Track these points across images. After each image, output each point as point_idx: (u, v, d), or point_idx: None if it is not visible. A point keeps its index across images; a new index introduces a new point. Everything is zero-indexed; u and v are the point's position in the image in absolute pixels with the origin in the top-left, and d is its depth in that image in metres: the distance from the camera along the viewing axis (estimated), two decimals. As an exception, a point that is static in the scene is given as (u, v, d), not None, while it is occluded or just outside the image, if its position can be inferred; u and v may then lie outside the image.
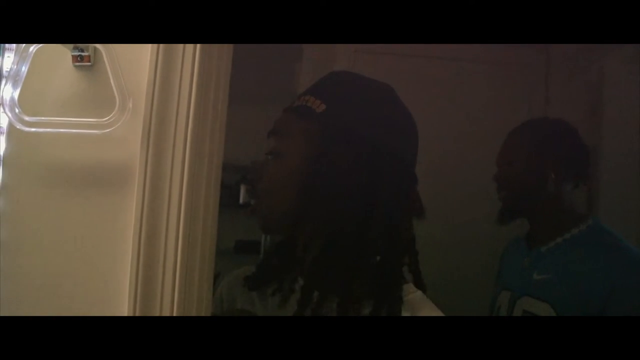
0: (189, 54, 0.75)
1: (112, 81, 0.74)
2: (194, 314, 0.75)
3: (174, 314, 0.72)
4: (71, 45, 0.76)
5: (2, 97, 0.76)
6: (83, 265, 0.76)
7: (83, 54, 0.77)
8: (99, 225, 0.76)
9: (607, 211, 2.09)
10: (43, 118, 0.75)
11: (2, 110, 0.77)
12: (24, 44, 0.74)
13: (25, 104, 0.74)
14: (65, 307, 0.76)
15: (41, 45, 0.74)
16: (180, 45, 0.75)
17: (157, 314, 0.72)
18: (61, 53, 0.77)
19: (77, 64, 0.77)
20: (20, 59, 0.74)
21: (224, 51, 0.81)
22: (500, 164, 1.51)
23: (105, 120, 0.73)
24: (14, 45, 0.79)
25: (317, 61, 2.15)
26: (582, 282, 1.27)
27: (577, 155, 1.47)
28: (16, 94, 0.74)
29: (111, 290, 0.75)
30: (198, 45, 0.74)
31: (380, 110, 0.89)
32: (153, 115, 0.74)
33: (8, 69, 0.77)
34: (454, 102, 2.22)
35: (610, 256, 1.29)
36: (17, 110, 0.74)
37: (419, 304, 0.85)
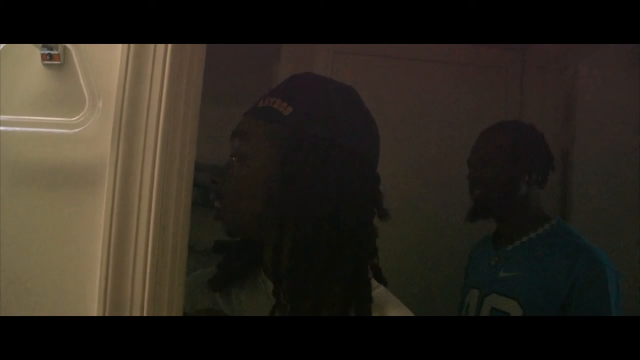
0: (160, 54, 0.75)
1: (81, 80, 0.74)
2: (164, 314, 0.75)
3: (145, 314, 0.72)
4: (40, 44, 0.75)
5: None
6: (52, 266, 0.75)
7: (52, 52, 0.76)
8: (68, 225, 0.75)
9: (577, 212, 2.14)
10: (12, 117, 0.74)
11: (-31, 108, 0.76)
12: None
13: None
14: (34, 307, 0.75)
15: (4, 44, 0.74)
16: (152, 45, 0.75)
17: (128, 314, 0.72)
18: (30, 51, 0.76)
19: (47, 62, 0.76)
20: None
21: (196, 51, 0.81)
22: (474, 163, 1.54)
23: (75, 120, 0.73)
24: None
25: (295, 62, 2.16)
26: (546, 279, 1.34)
27: (544, 159, 1.53)
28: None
29: (81, 291, 0.74)
30: (169, 45, 0.74)
31: (344, 112, 0.90)
32: (123, 115, 0.73)
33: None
34: (428, 103, 2.24)
35: (572, 254, 1.35)
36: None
37: (384, 299, 0.87)
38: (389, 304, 0.86)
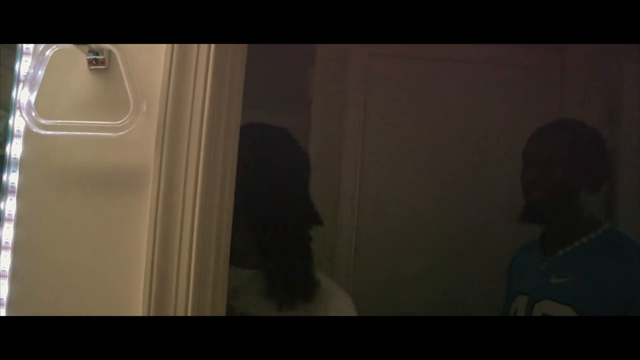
0: (202, 56, 0.75)
1: (126, 84, 0.74)
2: (208, 314, 0.75)
3: (188, 314, 0.72)
4: (86, 49, 0.77)
5: (19, 101, 0.77)
6: (97, 267, 0.77)
7: (98, 57, 0.77)
8: (113, 226, 0.77)
9: (624, 215, 2.06)
10: (59, 121, 0.76)
11: (19, 113, 0.78)
12: (41, 47, 0.75)
13: (42, 107, 0.76)
14: (80, 307, 0.77)
15: (57, 48, 0.75)
16: (194, 48, 0.75)
17: (171, 314, 0.72)
18: (77, 57, 0.78)
19: (92, 67, 0.78)
20: (36, 62, 0.75)
21: (238, 52, 0.82)
22: (532, 163, 1.48)
23: (120, 123, 0.74)
24: (31, 50, 0.80)
25: (330, 64, 2.15)
26: (605, 284, 1.28)
27: (603, 161, 1.47)
28: (33, 98, 0.75)
29: (126, 291, 0.75)
30: (212, 47, 0.75)
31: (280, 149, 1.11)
32: (167, 118, 0.74)
33: (25, 73, 0.79)
34: (466, 104, 2.20)
35: (632, 258, 1.30)
36: (33, 114, 0.75)
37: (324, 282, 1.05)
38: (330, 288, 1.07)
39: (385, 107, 2.13)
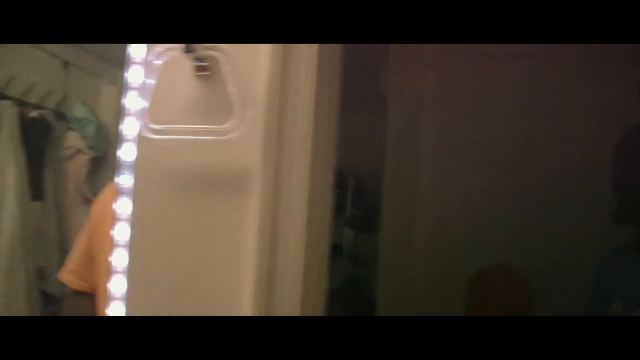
0: (305, 60, 0.77)
1: (230, 89, 0.77)
2: (313, 314, 0.76)
3: (297, 315, 0.73)
4: (193, 57, 0.80)
5: (129, 107, 0.82)
6: (207, 267, 0.79)
7: (203, 64, 0.80)
8: (221, 227, 0.79)
9: None
10: (169, 126, 0.79)
11: (130, 119, 0.82)
12: (151, 57, 0.79)
13: (152, 113, 0.79)
14: (189, 305, 0.80)
15: (167, 58, 0.79)
16: (296, 52, 0.77)
17: (279, 314, 0.74)
18: (184, 64, 0.81)
19: (198, 74, 0.81)
20: (148, 72, 0.79)
21: (334, 55, 0.83)
22: (625, 162, 1.42)
23: (226, 127, 0.76)
24: (139, 59, 0.83)
25: (404, 63, 2.14)
26: None
27: None
28: (145, 105, 0.79)
29: (233, 291, 0.77)
30: (315, 51, 0.76)
31: None
32: (272, 122, 0.76)
33: (133, 82, 0.83)
34: (551, 103, 2.12)
35: None
36: (145, 120, 0.79)
37: None
38: None
39: (462, 105, 2.09)
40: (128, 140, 0.83)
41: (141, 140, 0.82)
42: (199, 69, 0.80)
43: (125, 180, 0.82)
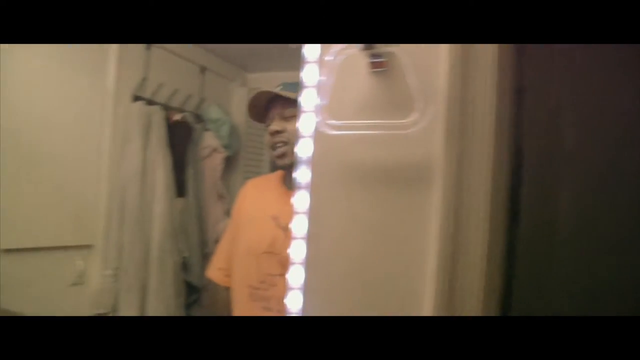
0: (484, 52, 0.76)
1: (410, 83, 0.77)
2: (493, 314, 0.75)
3: (477, 315, 0.72)
4: (369, 53, 0.81)
5: (305, 105, 0.85)
6: (382, 260, 0.80)
7: (379, 60, 0.81)
8: (398, 222, 0.79)
9: None
10: (347, 121, 0.81)
11: (306, 116, 0.85)
12: (328, 56, 0.81)
13: (329, 110, 0.82)
14: (363, 297, 0.81)
15: (345, 56, 0.81)
16: (476, 46, 0.76)
17: (459, 314, 0.73)
18: (359, 61, 0.82)
19: (374, 70, 0.82)
20: (327, 70, 0.82)
21: (509, 49, 0.81)
22: None
23: (407, 122, 0.77)
24: (315, 58, 0.86)
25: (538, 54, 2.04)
26: None
27: None
28: (322, 102, 0.82)
29: (411, 286, 0.77)
30: (495, 45, 0.74)
31: None
32: (454, 115, 0.75)
33: (307, 80, 0.86)
34: None
35: None
36: (323, 116, 0.82)
37: None
38: None
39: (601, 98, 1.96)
40: (304, 137, 0.86)
41: (318, 136, 0.85)
42: (375, 65, 0.82)
43: (302, 174, 0.86)
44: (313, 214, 0.85)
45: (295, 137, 1.08)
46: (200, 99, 2.30)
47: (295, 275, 0.86)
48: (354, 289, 0.82)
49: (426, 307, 0.75)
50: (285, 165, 1.13)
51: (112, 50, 1.90)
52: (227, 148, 2.28)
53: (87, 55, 1.83)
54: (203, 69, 2.32)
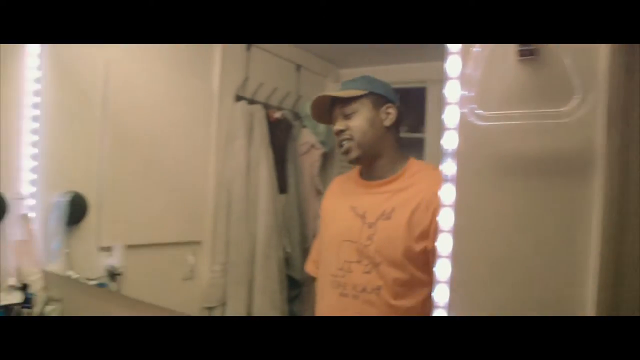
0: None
1: (569, 70, 0.74)
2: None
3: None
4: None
5: (449, 97, 0.84)
6: (533, 257, 0.78)
7: (529, 48, 0.79)
8: (553, 216, 0.77)
9: None
10: (496, 112, 0.80)
11: (451, 108, 0.84)
12: (475, 47, 0.80)
13: (476, 100, 0.80)
14: (512, 294, 0.80)
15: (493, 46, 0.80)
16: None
17: (623, 314, 0.70)
18: (506, 49, 0.81)
19: (522, 58, 0.80)
20: (474, 62, 0.81)
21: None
22: None
23: (565, 110, 0.74)
24: (457, 48, 0.85)
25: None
26: None
27: None
28: (469, 93, 0.81)
29: (571, 281, 0.75)
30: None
31: None
32: (616, 103, 0.72)
33: (452, 72, 0.85)
34: None
35: None
36: (471, 107, 0.81)
37: None
38: None
39: None
40: (449, 129, 0.85)
41: (464, 128, 0.84)
42: (524, 52, 0.80)
43: (448, 167, 0.85)
44: (459, 207, 0.84)
45: (357, 132, 1.14)
46: (297, 96, 2.33)
47: (442, 269, 0.85)
48: (502, 285, 0.81)
49: (588, 308, 0.73)
50: (352, 160, 1.17)
51: (216, 52, 1.96)
52: (323, 144, 2.29)
53: (193, 58, 1.90)
54: (298, 67, 2.35)
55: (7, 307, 1.39)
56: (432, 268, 0.91)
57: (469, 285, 0.83)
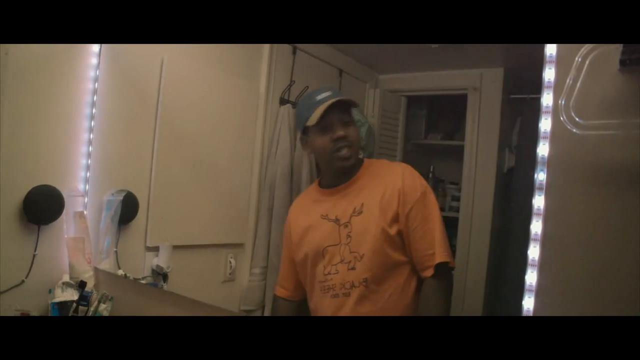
0: None
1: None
2: None
3: None
4: (620, 48, 0.78)
5: (546, 104, 0.83)
6: (630, 263, 0.77)
7: (630, 57, 0.78)
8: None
9: None
10: (595, 121, 0.79)
11: (547, 116, 0.84)
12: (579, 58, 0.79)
13: (574, 109, 0.80)
14: (602, 305, 0.79)
15: (596, 53, 0.79)
16: None
17: None
18: (607, 58, 0.80)
19: (624, 67, 0.79)
20: (575, 72, 0.80)
21: None
22: None
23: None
24: (555, 55, 0.84)
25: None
26: None
27: None
28: (567, 101, 0.80)
29: None
30: None
31: None
32: None
33: (549, 80, 0.84)
34: None
35: None
36: (565, 116, 0.80)
37: None
38: None
39: None
40: (544, 137, 0.84)
41: (556, 136, 0.83)
42: (625, 62, 0.79)
43: (541, 175, 0.84)
44: (550, 216, 0.83)
45: (355, 140, 1.20)
46: (338, 101, 2.35)
47: (530, 277, 0.85)
48: (591, 295, 0.79)
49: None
50: (349, 165, 1.20)
51: (264, 55, 1.97)
52: (363, 149, 2.29)
53: (242, 61, 1.91)
54: (341, 72, 2.36)
55: (63, 304, 1.39)
56: (407, 249, 1.09)
57: (556, 294, 0.82)
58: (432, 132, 2.69)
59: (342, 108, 1.20)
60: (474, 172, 2.48)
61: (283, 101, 2.02)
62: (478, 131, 2.50)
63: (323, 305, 1.18)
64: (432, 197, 1.14)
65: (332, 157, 1.18)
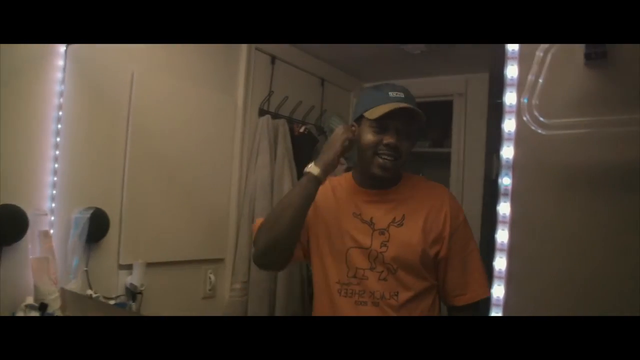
0: None
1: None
2: None
3: None
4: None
5: (508, 104, 0.77)
6: (599, 275, 0.72)
7: (596, 50, 0.73)
8: (622, 232, 0.71)
9: None
10: (561, 120, 0.73)
11: (509, 116, 0.78)
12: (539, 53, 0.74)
13: (537, 108, 0.74)
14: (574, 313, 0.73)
15: (554, 50, 0.73)
16: None
17: None
18: (572, 53, 0.74)
19: (589, 61, 0.74)
20: (537, 68, 0.74)
21: None
22: None
23: (636, 117, 0.68)
24: (517, 52, 0.79)
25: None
26: None
27: None
28: (530, 100, 0.74)
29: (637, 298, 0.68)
30: None
31: None
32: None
33: (510, 77, 0.79)
34: None
35: None
36: (531, 115, 0.74)
37: None
38: None
39: None
40: (508, 139, 0.79)
41: (522, 137, 0.77)
42: (591, 56, 0.73)
43: (506, 179, 0.78)
44: (515, 224, 0.77)
45: (405, 154, 1.07)
46: (322, 110, 2.29)
47: (497, 290, 0.79)
48: (563, 305, 0.74)
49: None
50: (385, 176, 1.10)
51: (241, 66, 1.93)
52: (347, 159, 2.24)
53: (218, 72, 1.86)
54: (322, 81, 2.31)
55: (25, 327, 1.33)
56: (437, 272, 1.06)
57: (525, 308, 0.76)
58: (421, 140, 2.64)
59: (406, 116, 1.08)
60: (462, 179, 2.43)
61: (262, 112, 1.97)
62: (465, 138, 2.46)
63: (344, 310, 1.11)
64: (469, 225, 1.09)
65: (373, 161, 1.09)
